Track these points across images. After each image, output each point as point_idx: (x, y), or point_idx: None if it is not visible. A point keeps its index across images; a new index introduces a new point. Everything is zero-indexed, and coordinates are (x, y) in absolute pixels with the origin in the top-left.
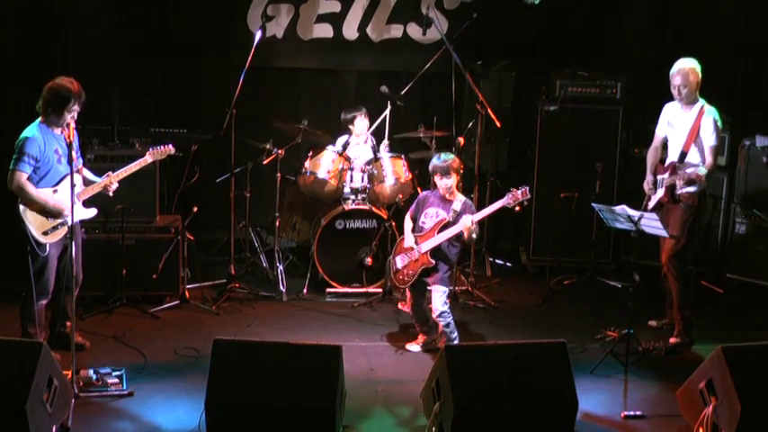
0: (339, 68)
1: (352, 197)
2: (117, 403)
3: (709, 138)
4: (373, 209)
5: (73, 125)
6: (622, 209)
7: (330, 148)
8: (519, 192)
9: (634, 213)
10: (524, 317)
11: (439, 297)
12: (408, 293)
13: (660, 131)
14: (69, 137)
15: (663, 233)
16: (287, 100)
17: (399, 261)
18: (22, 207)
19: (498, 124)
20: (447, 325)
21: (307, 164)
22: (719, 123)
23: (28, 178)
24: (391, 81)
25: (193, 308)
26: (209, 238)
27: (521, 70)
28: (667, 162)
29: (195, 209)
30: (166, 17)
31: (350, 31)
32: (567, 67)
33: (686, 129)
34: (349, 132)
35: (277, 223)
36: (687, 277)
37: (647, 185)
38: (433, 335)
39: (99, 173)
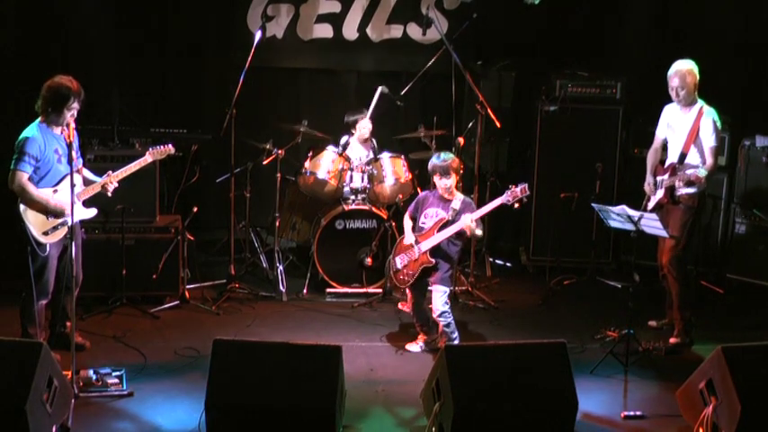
0: (339, 68)
1: (352, 197)
2: (117, 403)
3: (708, 138)
4: (373, 209)
5: (73, 125)
6: (622, 209)
7: (330, 148)
8: (518, 189)
9: (634, 213)
10: (524, 317)
11: (439, 297)
12: (409, 293)
13: (660, 133)
14: (69, 137)
15: (663, 233)
16: (287, 100)
17: (399, 261)
18: (22, 207)
19: (498, 124)
20: (447, 325)
21: (307, 164)
22: (719, 124)
23: (29, 178)
24: (391, 81)
25: (193, 308)
26: (209, 238)
27: (521, 70)
28: (667, 163)
29: (195, 209)
30: (166, 17)
31: (350, 31)
32: (567, 67)
33: (686, 130)
34: (351, 134)
35: (277, 223)
36: (687, 277)
37: (647, 186)
38: (433, 335)
39: (99, 173)
